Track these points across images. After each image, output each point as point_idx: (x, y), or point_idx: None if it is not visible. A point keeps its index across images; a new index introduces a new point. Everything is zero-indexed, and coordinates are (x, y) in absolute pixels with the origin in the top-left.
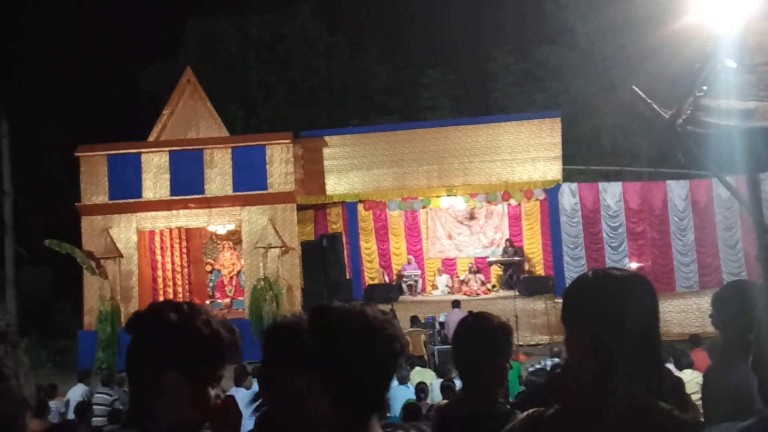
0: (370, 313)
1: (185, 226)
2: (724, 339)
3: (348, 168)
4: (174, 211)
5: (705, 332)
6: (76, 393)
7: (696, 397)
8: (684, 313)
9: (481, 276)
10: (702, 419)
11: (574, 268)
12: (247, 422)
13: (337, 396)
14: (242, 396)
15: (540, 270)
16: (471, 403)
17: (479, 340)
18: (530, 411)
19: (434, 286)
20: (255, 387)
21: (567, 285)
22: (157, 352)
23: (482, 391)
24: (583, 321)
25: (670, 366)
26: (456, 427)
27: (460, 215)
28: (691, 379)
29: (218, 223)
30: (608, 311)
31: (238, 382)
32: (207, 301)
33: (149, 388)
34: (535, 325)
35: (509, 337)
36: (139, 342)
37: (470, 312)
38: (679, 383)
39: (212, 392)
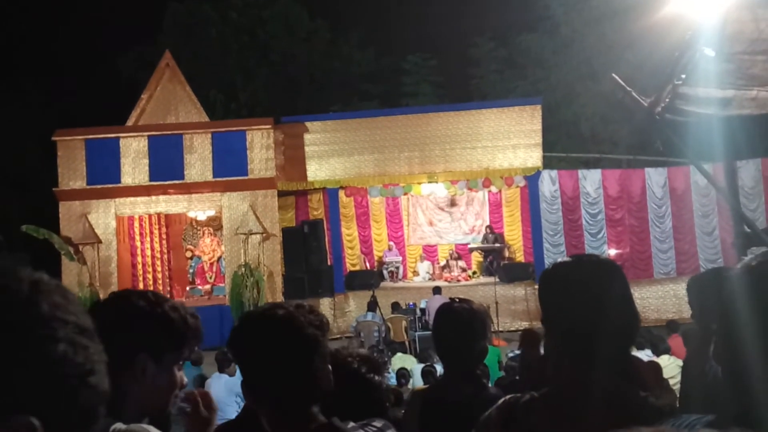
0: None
1: (165, 212)
2: (701, 327)
3: (329, 154)
4: (153, 197)
5: (682, 318)
6: None
7: (673, 382)
8: (661, 299)
9: (461, 262)
10: (677, 405)
11: (553, 254)
12: (229, 408)
13: (261, 397)
14: (225, 382)
15: (520, 257)
16: (459, 388)
17: (459, 325)
18: (506, 397)
19: (415, 273)
20: (240, 374)
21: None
22: (128, 338)
23: (468, 375)
24: (558, 305)
25: (647, 352)
26: (442, 413)
27: (441, 202)
28: (668, 365)
29: (198, 209)
30: (582, 296)
31: (221, 368)
32: (187, 288)
33: (117, 375)
34: (515, 311)
35: (486, 319)
36: (105, 329)
37: (450, 299)
38: (657, 368)
39: (179, 374)
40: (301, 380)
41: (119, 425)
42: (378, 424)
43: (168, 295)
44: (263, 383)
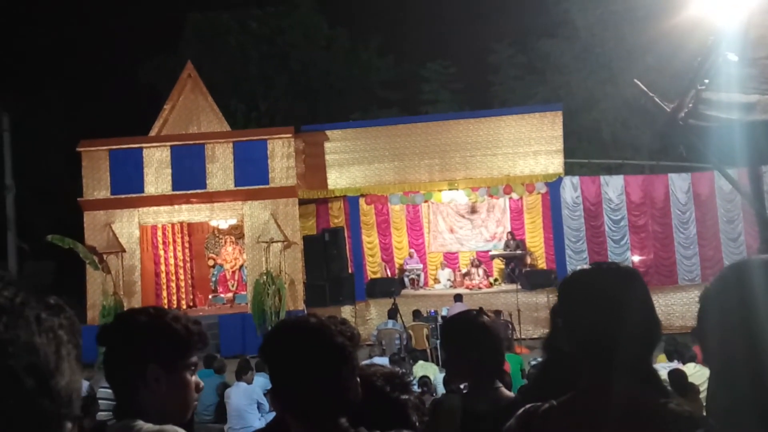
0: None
1: (187, 221)
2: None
3: (349, 162)
4: (176, 206)
5: None
6: None
7: (702, 389)
8: (686, 306)
9: (483, 269)
10: (704, 413)
11: (576, 261)
12: (249, 416)
13: (289, 404)
14: (243, 390)
15: (542, 263)
16: (491, 396)
17: (444, 338)
18: (526, 407)
19: (436, 280)
20: (257, 381)
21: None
22: (136, 352)
23: (484, 386)
24: (577, 312)
25: (676, 363)
26: (480, 422)
27: (462, 209)
28: (694, 373)
29: (220, 217)
30: (602, 303)
31: (239, 377)
32: (210, 296)
33: (135, 386)
34: (537, 319)
35: (478, 330)
36: (115, 349)
37: (479, 309)
38: (682, 376)
39: (193, 379)
40: (329, 389)
41: (148, 425)
42: None
43: (191, 304)
44: (291, 390)
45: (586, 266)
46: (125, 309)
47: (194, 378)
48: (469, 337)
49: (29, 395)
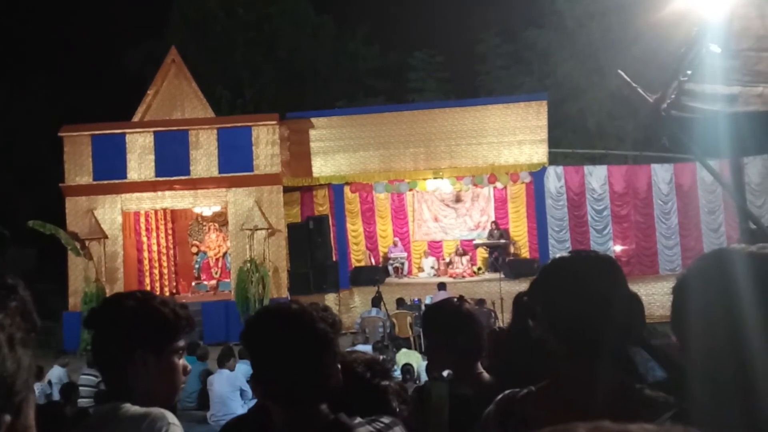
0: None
1: (170, 208)
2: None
3: (334, 150)
4: (159, 193)
5: None
6: (54, 374)
7: None
8: (667, 295)
9: (467, 258)
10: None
11: (559, 250)
12: (232, 403)
13: (270, 390)
14: (226, 377)
15: (525, 253)
16: (457, 385)
17: (426, 325)
18: (504, 393)
19: (420, 269)
20: (240, 368)
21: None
22: (124, 337)
23: (466, 373)
24: (556, 300)
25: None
26: (465, 406)
27: (447, 198)
28: None
29: (204, 204)
30: (581, 290)
31: (221, 364)
32: (193, 283)
33: (122, 370)
34: None
35: (461, 317)
36: (103, 333)
37: (459, 297)
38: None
39: (180, 362)
40: (310, 375)
41: (134, 407)
42: (386, 420)
43: (174, 291)
44: (273, 376)
45: (565, 254)
46: (108, 295)
47: (181, 361)
48: (452, 324)
49: None
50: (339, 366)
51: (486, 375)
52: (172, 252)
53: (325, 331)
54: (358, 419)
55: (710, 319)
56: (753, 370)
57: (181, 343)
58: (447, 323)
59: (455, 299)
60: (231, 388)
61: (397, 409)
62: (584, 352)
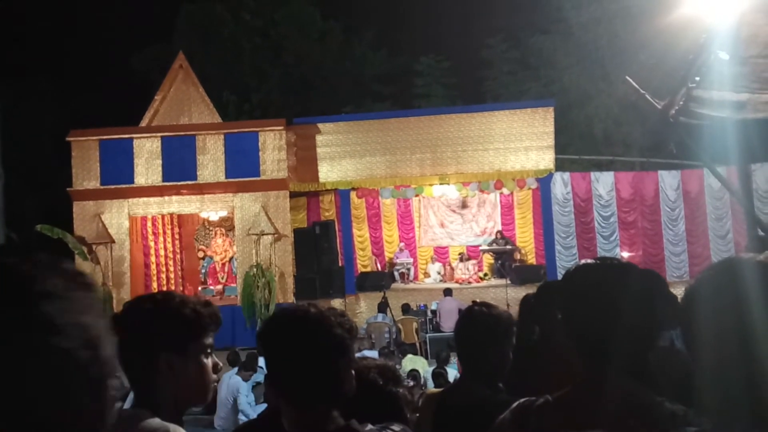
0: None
1: (177, 213)
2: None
3: (341, 155)
4: (166, 197)
5: None
6: None
7: None
8: None
9: (473, 264)
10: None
11: (565, 257)
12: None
13: (284, 392)
14: (234, 382)
15: (532, 259)
16: (473, 392)
17: (486, 330)
18: (521, 401)
19: (426, 274)
20: (234, 379)
21: (559, 274)
22: (145, 341)
23: (485, 380)
24: (572, 307)
25: None
26: (456, 416)
27: (453, 204)
28: None
29: (210, 209)
30: (596, 298)
31: (239, 370)
32: (199, 288)
33: (147, 375)
34: None
35: (512, 327)
36: (123, 340)
37: (474, 302)
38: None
39: (209, 361)
40: (324, 380)
41: (155, 421)
42: (397, 428)
43: None
44: (286, 378)
45: (588, 261)
46: (114, 300)
47: (211, 359)
48: (503, 334)
49: (83, 367)
50: (353, 372)
51: (500, 385)
52: (178, 256)
53: (342, 336)
54: (369, 426)
55: (721, 327)
56: (763, 378)
57: (208, 340)
58: (502, 330)
59: (477, 303)
60: (227, 392)
61: (408, 416)
62: (597, 359)
